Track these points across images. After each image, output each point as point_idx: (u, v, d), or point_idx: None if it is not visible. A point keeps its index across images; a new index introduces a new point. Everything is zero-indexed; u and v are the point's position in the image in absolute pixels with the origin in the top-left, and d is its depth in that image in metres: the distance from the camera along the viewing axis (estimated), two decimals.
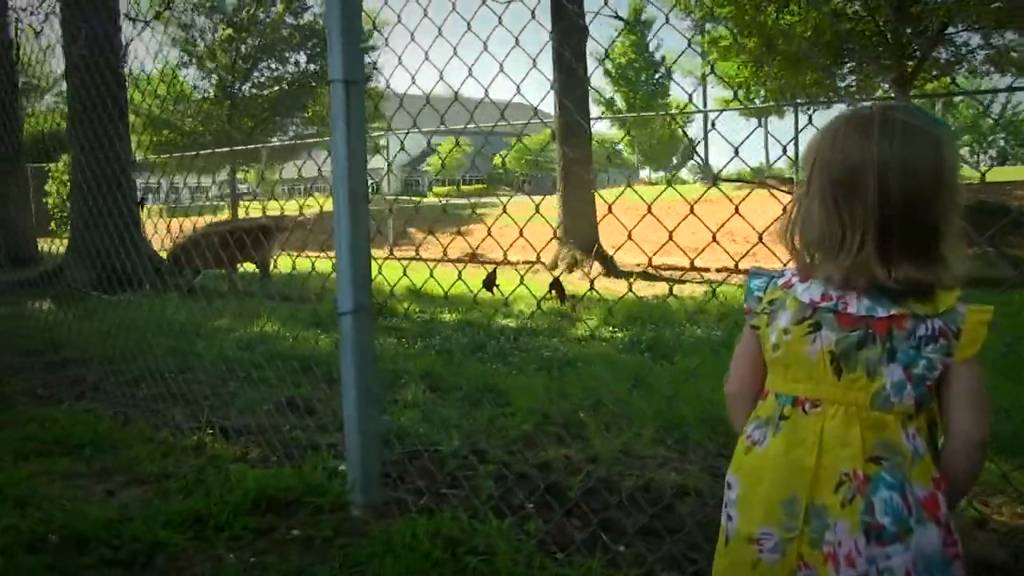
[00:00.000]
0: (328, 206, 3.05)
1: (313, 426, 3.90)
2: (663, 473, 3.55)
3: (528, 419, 4.33)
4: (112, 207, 5.66)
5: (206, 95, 21.73)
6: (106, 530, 2.78)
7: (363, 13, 3.04)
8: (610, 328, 7.46)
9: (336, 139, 2.90)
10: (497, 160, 33.14)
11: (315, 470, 3.27)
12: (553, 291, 2.49)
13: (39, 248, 12.35)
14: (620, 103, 36.43)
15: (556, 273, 12.29)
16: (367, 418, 3.00)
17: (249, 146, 17.98)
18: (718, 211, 2.68)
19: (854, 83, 15.69)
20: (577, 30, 12.30)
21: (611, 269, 12.30)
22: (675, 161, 43.65)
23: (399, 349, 6.27)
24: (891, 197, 1.40)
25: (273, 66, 23.97)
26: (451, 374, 5.29)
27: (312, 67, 24.03)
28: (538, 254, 2.21)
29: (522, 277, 2.89)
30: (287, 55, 24.23)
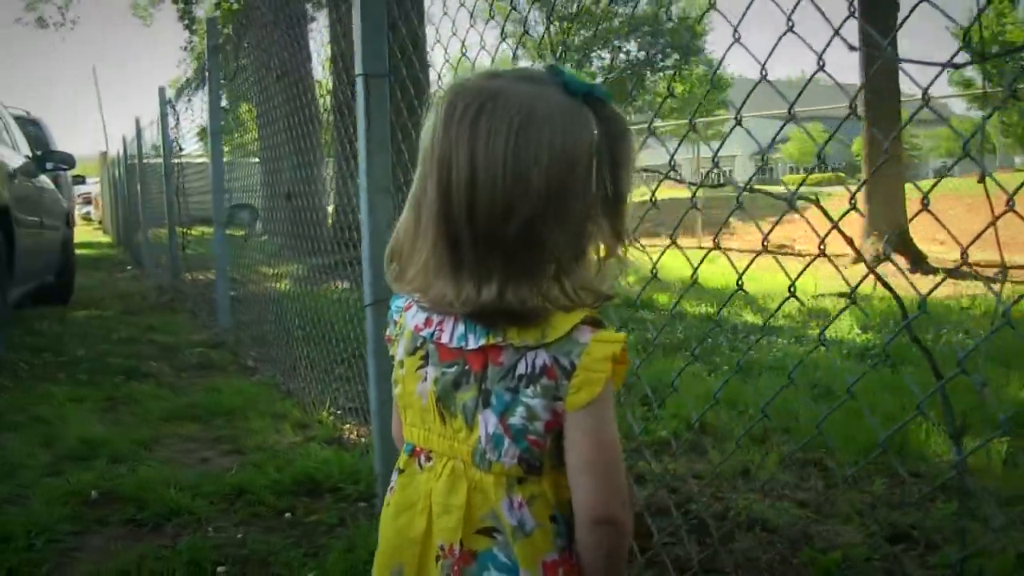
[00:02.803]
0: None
1: None
2: (748, 499, 3.18)
3: (673, 424, 4.11)
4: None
5: None
6: (145, 493, 3.04)
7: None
8: (858, 331, 6.76)
9: (359, 132, 2.93)
10: (855, 147, 30.90)
11: (370, 457, 3.33)
12: None
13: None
14: (980, 81, 31.88)
15: (857, 267, 11.37)
16: (388, 412, 2.99)
17: None
18: None
19: None
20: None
21: (919, 264, 11.12)
22: None
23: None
24: (452, 194, 1.04)
25: (604, 55, 24.35)
26: (632, 370, 5.06)
27: (642, 55, 24.07)
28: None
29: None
30: (617, 44, 24.54)
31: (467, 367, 1.13)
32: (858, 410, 3.82)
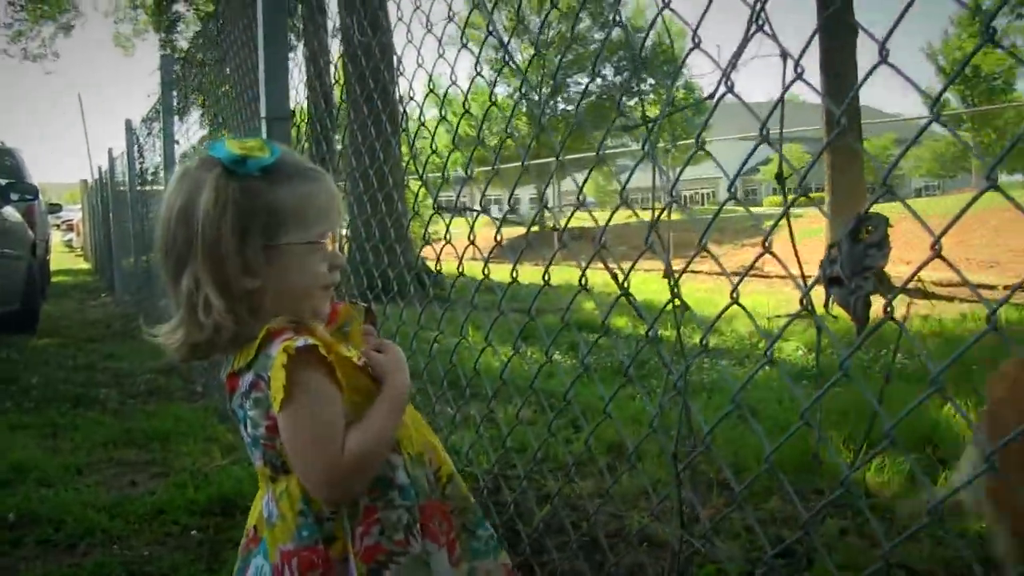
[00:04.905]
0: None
1: None
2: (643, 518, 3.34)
3: (591, 446, 4.25)
4: (381, 220, 6.19)
5: (516, 111, 22.76)
6: (64, 514, 3.20)
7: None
8: (802, 352, 6.95)
9: None
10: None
11: None
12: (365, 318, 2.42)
13: None
14: (955, 101, 32.38)
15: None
16: None
17: (547, 159, 18.72)
18: None
19: None
20: (847, 28, 11.34)
21: (882, 284, 11.28)
22: None
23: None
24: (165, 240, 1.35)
25: (581, 80, 24.88)
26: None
27: (619, 79, 24.54)
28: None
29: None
30: (595, 69, 24.95)
31: (227, 391, 1.37)
32: (778, 430, 4.02)
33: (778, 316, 8.70)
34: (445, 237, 2.53)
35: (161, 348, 1.37)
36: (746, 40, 1.27)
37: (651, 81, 24.90)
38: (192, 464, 3.92)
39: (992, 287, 10.69)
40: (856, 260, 0.99)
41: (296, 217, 1.32)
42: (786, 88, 1.22)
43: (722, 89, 1.40)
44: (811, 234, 14.45)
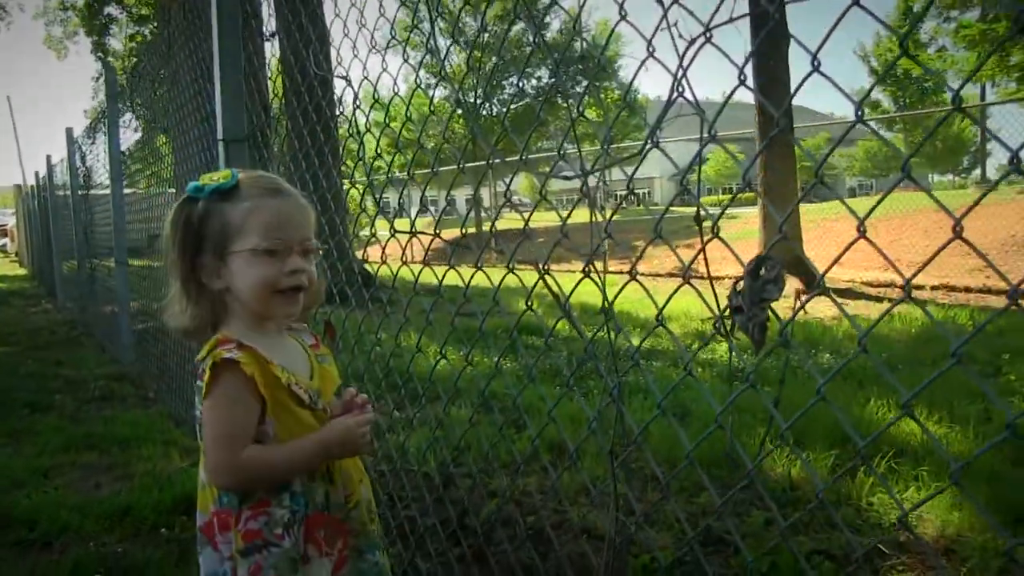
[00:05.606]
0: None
1: None
2: (584, 511, 3.59)
3: (531, 445, 4.47)
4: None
5: (451, 115, 22.98)
6: (37, 515, 3.37)
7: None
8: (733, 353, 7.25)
9: None
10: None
11: None
12: (325, 332, 2.64)
13: None
14: (887, 103, 33.48)
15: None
16: None
17: (480, 162, 18.90)
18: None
19: None
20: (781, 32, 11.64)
21: (814, 286, 11.66)
22: (965, 163, 39.77)
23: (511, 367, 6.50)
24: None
25: (516, 82, 25.23)
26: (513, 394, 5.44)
27: (553, 81, 24.94)
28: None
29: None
30: (529, 71, 25.27)
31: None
32: (706, 427, 4.29)
33: (709, 318, 9.04)
34: (402, 258, 2.75)
35: (106, 356, 1.64)
36: (668, 104, 1.54)
37: (585, 83, 25.34)
38: (153, 467, 4.08)
39: (920, 287, 11.23)
40: (755, 293, 1.25)
41: (244, 228, 1.56)
42: (703, 145, 1.49)
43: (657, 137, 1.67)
44: (747, 235, 14.96)
